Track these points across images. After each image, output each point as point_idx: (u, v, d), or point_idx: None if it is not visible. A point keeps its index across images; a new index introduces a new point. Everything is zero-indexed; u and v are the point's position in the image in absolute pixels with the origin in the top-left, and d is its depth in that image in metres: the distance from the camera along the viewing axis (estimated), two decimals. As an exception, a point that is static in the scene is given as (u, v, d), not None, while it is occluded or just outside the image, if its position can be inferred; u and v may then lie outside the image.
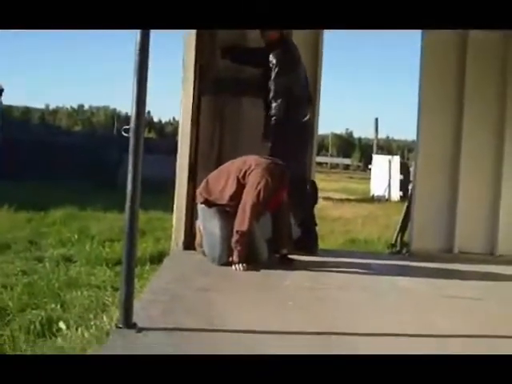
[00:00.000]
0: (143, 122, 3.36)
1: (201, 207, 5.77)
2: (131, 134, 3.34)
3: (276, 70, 6.27)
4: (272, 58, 6.29)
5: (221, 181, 5.68)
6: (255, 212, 5.45)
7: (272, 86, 6.28)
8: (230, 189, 5.57)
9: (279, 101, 6.26)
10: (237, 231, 5.40)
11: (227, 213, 5.59)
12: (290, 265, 5.73)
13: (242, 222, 5.40)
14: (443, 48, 7.20)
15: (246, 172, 5.55)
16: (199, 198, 5.79)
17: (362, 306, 4.65)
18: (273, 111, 6.26)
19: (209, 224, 5.68)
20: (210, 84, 6.57)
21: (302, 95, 6.49)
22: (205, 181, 5.81)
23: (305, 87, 6.58)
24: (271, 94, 6.28)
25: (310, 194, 6.00)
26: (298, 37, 6.64)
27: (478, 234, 7.09)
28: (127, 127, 3.41)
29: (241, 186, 5.53)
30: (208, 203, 5.71)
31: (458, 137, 7.15)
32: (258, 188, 5.41)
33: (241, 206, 5.44)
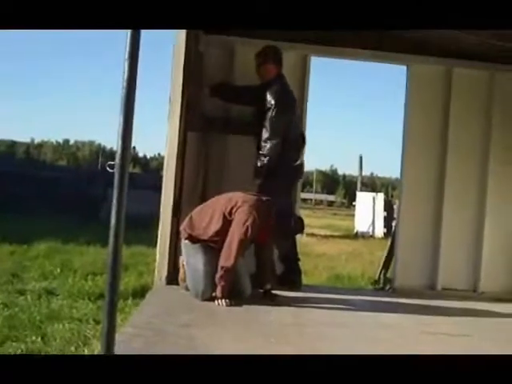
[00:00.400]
0: (128, 158, 3.37)
1: (184, 243, 5.77)
2: (116, 170, 3.35)
3: (275, 108, 6.24)
4: (270, 97, 6.27)
5: (205, 217, 5.69)
6: (242, 249, 5.46)
7: (269, 125, 6.24)
8: (216, 225, 5.58)
9: (275, 141, 6.24)
10: (222, 267, 5.40)
11: (211, 248, 5.59)
12: (274, 300, 5.73)
13: (227, 258, 5.41)
14: (428, 83, 7.30)
15: (232, 209, 5.56)
16: (183, 234, 5.79)
17: (343, 342, 4.64)
18: (267, 151, 6.23)
19: (192, 259, 5.68)
20: (196, 120, 6.61)
21: (297, 136, 6.52)
22: (189, 217, 5.81)
23: (299, 127, 6.63)
24: (267, 134, 6.25)
25: (295, 230, 6.00)
26: (285, 73, 6.74)
27: (461, 270, 7.13)
28: (112, 163, 3.41)
29: (227, 223, 5.54)
30: (192, 239, 5.71)
31: (442, 174, 7.22)
32: (246, 225, 5.43)
33: (227, 243, 5.45)
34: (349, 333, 4.96)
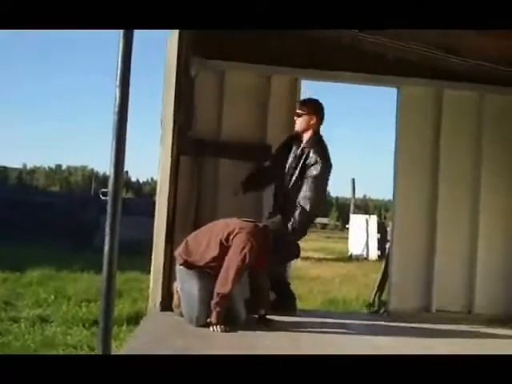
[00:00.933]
0: (121, 185, 3.37)
1: (179, 268, 5.75)
2: (109, 197, 3.34)
3: (322, 166, 6.11)
4: (315, 153, 6.14)
5: (202, 242, 5.68)
6: (238, 275, 5.45)
7: (312, 182, 6.09)
8: (213, 251, 5.56)
9: (319, 199, 6.19)
10: (218, 293, 5.38)
11: (207, 274, 5.57)
12: (269, 325, 5.71)
13: (224, 285, 5.39)
14: (419, 105, 7.35)
15: (229, 235, 5.55)
16: (179, 259, 5.77)
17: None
18: (310, 208, 6.06)
19: (187, 285, 5.65)
20: (188, 144, 6.62)
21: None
22: (184, 242, 5.80)
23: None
24: (310, 192, 6.07)
25: (292, 255, 6.00)
26: (276, 99, 6.79)
27: (455, 292, 7.12)
28: (105, 190, 3.41)
29: (224, 249, 5.52)
30: (187, 264, 5.69)
31: (434, 195, 7.25)
32: (244, 252, 5.42)
33: (224, 269, 5.43)
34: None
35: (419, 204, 7.30)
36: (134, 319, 8.02)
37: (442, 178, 7.25)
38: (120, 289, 10.22)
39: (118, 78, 3.39)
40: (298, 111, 6.41)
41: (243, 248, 5.43)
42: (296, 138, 6.41)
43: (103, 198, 3.42)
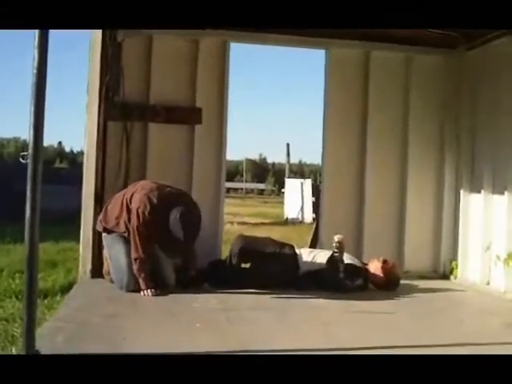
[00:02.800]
0: (41, 147, 3.31)
1: (104, 235, 5.71)
2: (29, 160, 3.29)
3: None
4: None
5: (116, 208, 5.63)
6: (143, 237, 5.39)
7: None
8: (124, 215, 5.53)
9: None
10: (134, 259, 5.37)
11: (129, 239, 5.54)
12: (200, 287, 5.73)
13: (135, 249, 5.38)
14: (347, 67, 7.37)
15: (131, 197, 5.52)
16: (99, 226, 5.73)
17: (269, 324, 4.67)
18: None
19: (113, 251, 5.62)
20: (115, 109, 6.52)
21: None
22: (104, 208, 5.75)
23: None
24: None
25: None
26: (205, 62, 6.75)
27: (385, 249, 7.20)
28: (25, 153, 3.35)
29: (129, 211, 5.50)
30: (107, 231, 5.65)
31: (363, 156, 7.32)
32: (138, 213, 5.38)
33: (131, 233, 5.41)
34: (274, 315, 4.98)
35: (348, 166, 7.35)
36: (68, 289, 7.92)
37: (370, 138, 7.32)
38: (54, 259, 10.11)
39: (36, 39, 3.32)
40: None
41: (138, 208, 5.39)
42: None
43: (23, 161, 3.36)
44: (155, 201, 5.44)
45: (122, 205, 5.55)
